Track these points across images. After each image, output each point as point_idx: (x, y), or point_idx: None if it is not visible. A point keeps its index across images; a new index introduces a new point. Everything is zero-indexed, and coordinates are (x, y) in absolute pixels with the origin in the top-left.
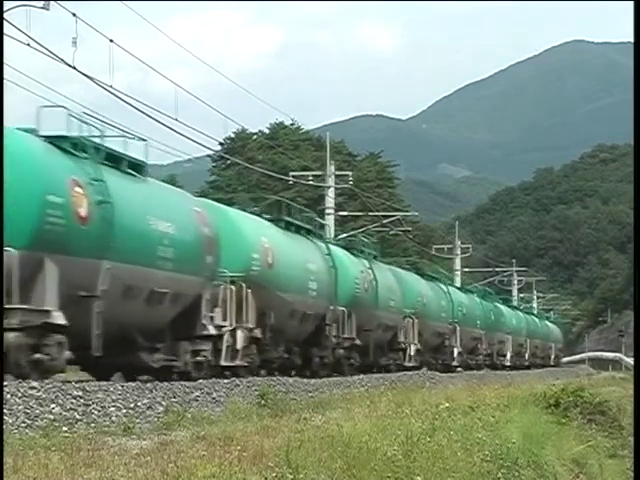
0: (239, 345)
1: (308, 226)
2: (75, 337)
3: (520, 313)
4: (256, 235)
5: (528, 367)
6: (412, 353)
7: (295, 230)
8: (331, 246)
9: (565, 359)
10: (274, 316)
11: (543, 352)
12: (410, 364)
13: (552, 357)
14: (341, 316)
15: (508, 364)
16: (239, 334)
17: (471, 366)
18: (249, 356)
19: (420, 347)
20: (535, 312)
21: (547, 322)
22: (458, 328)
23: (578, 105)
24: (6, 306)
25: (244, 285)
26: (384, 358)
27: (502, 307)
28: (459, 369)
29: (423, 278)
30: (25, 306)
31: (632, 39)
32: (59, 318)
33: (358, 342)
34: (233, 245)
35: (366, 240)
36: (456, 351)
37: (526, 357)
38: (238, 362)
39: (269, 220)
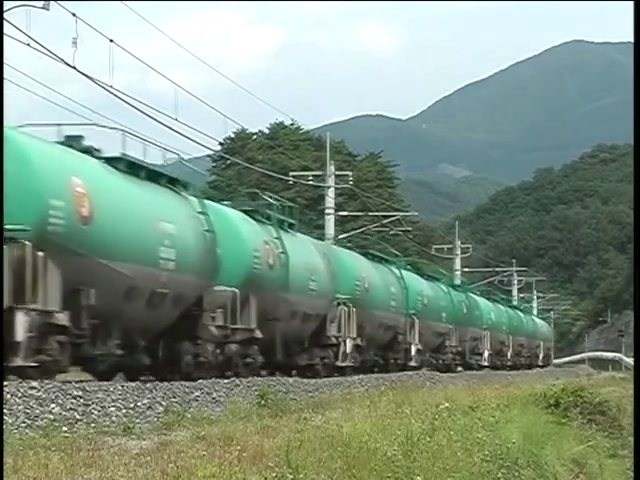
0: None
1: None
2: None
3: (501, 307)
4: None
5: (513, 368)
6: (348, 350)
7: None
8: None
9: (557, 360)
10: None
11: (529, 351)
12: (344, 364)
13: (540, 357)
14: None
15: (485, 364)
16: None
17: (437, 366)
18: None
19: (362, 342)
20: (520, 306)
21: (534, 318)
22: (417, 321)
23: (578, 105)
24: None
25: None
26: (303, 356)
27: (478, 299)
28: (424, 369)
29: (366, 258)
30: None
31: (632, 39)
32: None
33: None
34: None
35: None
36: (414, 348)
37: (508, 356)
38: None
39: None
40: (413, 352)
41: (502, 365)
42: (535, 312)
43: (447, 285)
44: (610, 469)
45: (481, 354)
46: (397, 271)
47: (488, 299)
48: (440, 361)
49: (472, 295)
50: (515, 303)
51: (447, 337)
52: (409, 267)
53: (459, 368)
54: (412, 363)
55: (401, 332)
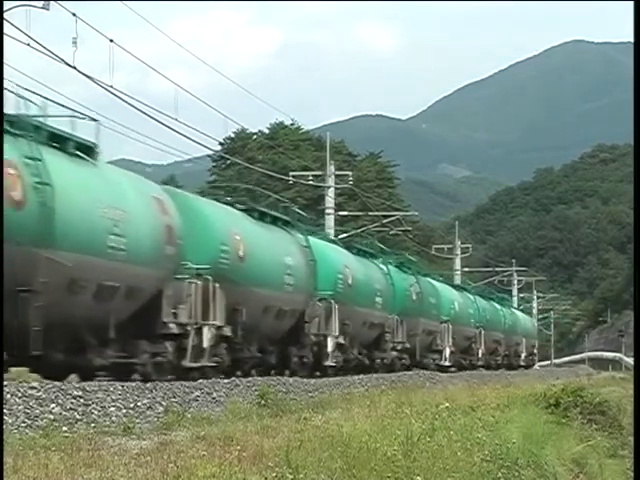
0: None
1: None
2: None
3: (469, 295)
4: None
5: (488, 368)
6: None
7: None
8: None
9: (557, 360)
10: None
11: (508, 349)
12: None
13: (522, 356)
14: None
15: (447, 364)
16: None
17: (374, 366)
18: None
19: (228, 334)
20: (495, 297)
21: (515, 311)
22: (335, 306)
23: (578, 105)
24: None
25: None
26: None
27: (437, 285)
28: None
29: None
30: None
31: (632, 39)
32: None
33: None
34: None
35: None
36: (330, 343)
37: (479, 355)
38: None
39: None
40: (329, 347)
41: (471, 365)
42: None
43: (388, 263)
44: (610, 469)
45: (440, 352)
46: (303, 238)
47: (452, 286)
48: (378, 360)
49: (427, 280)
50: (489, 293)
51: (385, 330)
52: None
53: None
54: (328, 362)
55: (307, 321)
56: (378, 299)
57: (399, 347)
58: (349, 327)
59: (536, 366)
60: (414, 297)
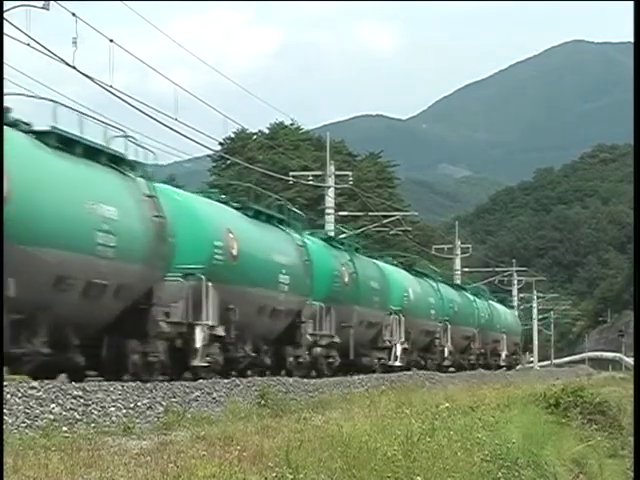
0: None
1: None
2: None
3: (432, 284)
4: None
5: (459, 368)
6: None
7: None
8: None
9: (557, 360)
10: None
11: (483, 347)
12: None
13: (503, 355)
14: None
15: (397, 364)
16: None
17: (286, 367)
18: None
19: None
20: (465, 286)
21: (494, 304)
22: (208, 286)
23: (578, 105)
24: None
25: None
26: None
27: (384, 267)
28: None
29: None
30: None
31: (632, 39)
32: None
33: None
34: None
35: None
36: (199, 336)
37: (445, 354)
38: (197, 362)
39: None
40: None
41: (436, 365)
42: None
43: (300, 232)
44: (610, 469)
45: (388, 349)
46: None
47: (409, 271)
48: (291, 359)
49: (370, 260)
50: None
51: (302, 320)
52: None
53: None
54: (195, 363)
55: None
56: (283, 277)
57: (324, 342)
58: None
59: (536, 366)
60: (346, 280)
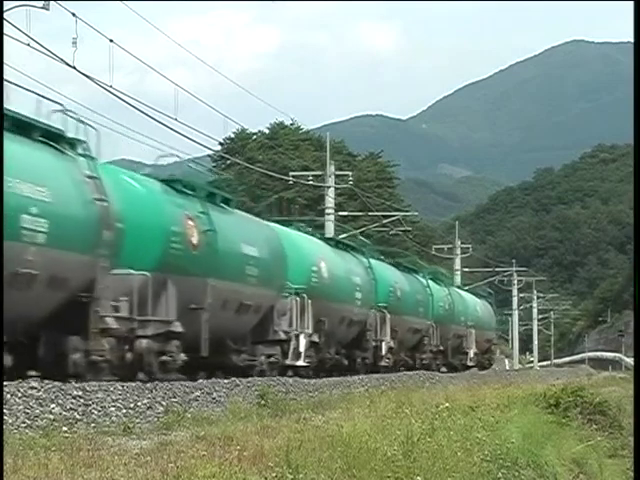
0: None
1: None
2: None
3: (362, 259)
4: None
5: (409, 369)
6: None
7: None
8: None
9: (557, 360)
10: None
11: (445, 343)
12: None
13: (471, 354)
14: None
15: (302, 363)
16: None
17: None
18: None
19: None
20: (418, 268)
21: (459, 291)
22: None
23: (578, 105)
24: None
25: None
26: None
27: (293, 235)
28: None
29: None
30: None
31: (632, 39)
32: None
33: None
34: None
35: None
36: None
37: (382, 350)
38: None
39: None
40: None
41: (371, 365)
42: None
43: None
44: (610, 469)
45: (286, 342)
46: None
47: (324, 240)
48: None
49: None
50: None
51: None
52: None
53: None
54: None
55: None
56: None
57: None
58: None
59: (536, 366)
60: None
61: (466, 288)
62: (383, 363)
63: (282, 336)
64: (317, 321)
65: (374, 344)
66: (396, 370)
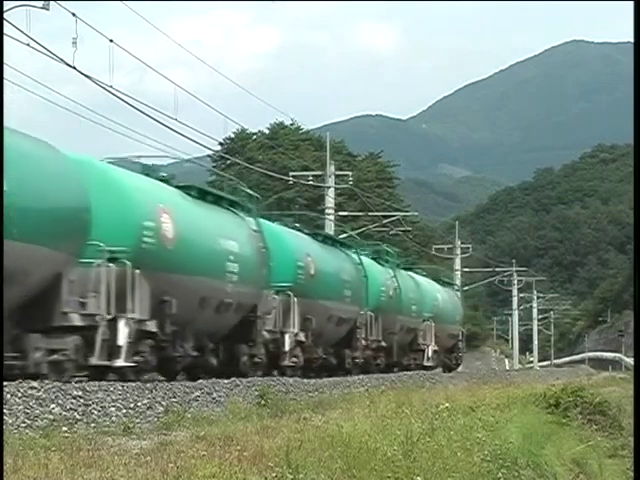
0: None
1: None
2: None
3: (269, 225)
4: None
5: (330, 372)
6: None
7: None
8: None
9: (557, 360)
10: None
11: (387, 339)
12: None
13: (428, 352)
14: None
15: (119, 363)
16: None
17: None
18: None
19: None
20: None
21: (413, 275)
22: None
23: (578, 105)
24: None
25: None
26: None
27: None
28: None
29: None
30: None
31: (632, 39)
32: None
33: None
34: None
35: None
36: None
37: (285, 346)
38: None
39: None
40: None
41: (274, 368)
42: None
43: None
44: (610, 469)
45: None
46: None
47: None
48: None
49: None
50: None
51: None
52: None
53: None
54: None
55: None
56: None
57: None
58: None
59: (536, 366)
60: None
61: (425, 273)
62: (286, 362)
63: (266, 336)
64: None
65: (270, 337)
66: (304, 374)
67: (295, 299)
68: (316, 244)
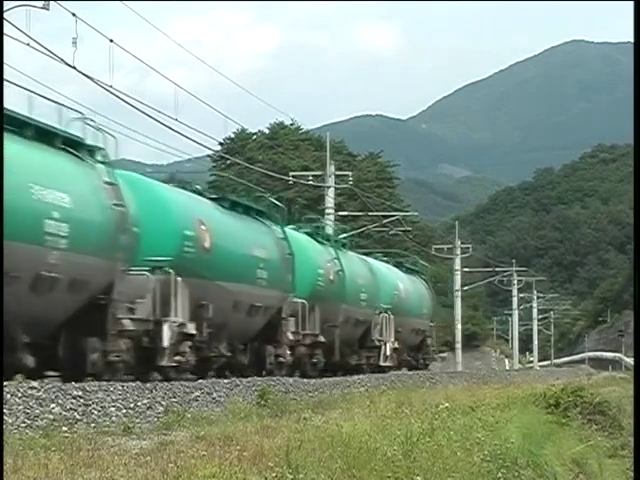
0: (165, 343)
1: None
2: None
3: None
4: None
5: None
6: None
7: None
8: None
9: (557, 360)
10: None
11: (326, 333)
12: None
13: (386, 350)
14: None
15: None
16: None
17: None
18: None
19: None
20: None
21: (367, 259)
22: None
23: (578, 105)
24: None
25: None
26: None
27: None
28: None
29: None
30: None
31: (632, 39)
32: None
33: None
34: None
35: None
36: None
37: (163, 342)
38: (165, 362)
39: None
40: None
41: (152, 369)
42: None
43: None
44: (610, 469)
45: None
46: None
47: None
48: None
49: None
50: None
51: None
52: None
53: None
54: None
55: None
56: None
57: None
58: None
59: (536, 366)
60: None
61: (386, 259)
62: (165, 362)
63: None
64: None
65: (137, 328)
66: (180, 377)
67: (179, 279)
68: (218, 210)
